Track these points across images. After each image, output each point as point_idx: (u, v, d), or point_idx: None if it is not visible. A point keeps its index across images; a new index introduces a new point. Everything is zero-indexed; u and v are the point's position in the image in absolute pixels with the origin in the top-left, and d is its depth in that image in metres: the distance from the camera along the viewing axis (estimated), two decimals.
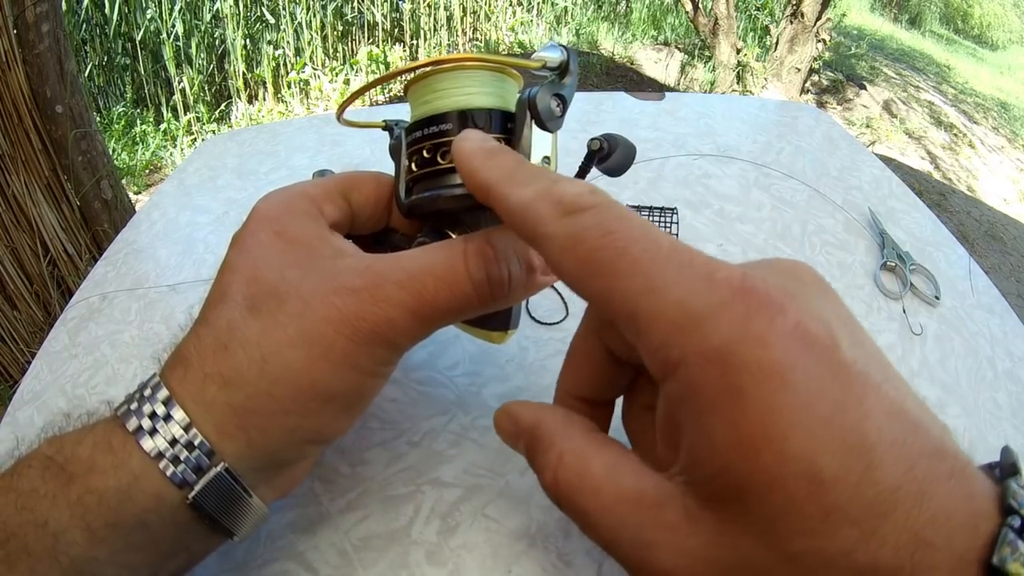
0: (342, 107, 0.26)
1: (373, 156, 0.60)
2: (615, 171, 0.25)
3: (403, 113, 0.26)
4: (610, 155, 0.25)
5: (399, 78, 0.23)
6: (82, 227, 1.33)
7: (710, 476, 0.14)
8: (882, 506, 0.12)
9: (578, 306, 0.23)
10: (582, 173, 0.26)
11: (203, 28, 2.48)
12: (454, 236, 0.24)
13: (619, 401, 0.23)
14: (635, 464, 0.16)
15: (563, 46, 0.22)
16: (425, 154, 0.23)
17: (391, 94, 2.56)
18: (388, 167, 0.26)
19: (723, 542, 0.14)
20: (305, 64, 2.67)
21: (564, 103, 0.23)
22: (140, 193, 2.05)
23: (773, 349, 0.13)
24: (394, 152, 0.26)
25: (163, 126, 2.36)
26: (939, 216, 0.55)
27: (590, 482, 0.16)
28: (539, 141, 0.23)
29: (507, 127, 0.23)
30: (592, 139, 0.24)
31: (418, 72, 0.23)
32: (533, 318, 0.39)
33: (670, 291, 0.14)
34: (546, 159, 0.23)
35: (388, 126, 0.27)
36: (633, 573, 0.15)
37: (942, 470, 0.12)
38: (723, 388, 0.13)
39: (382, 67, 2.75)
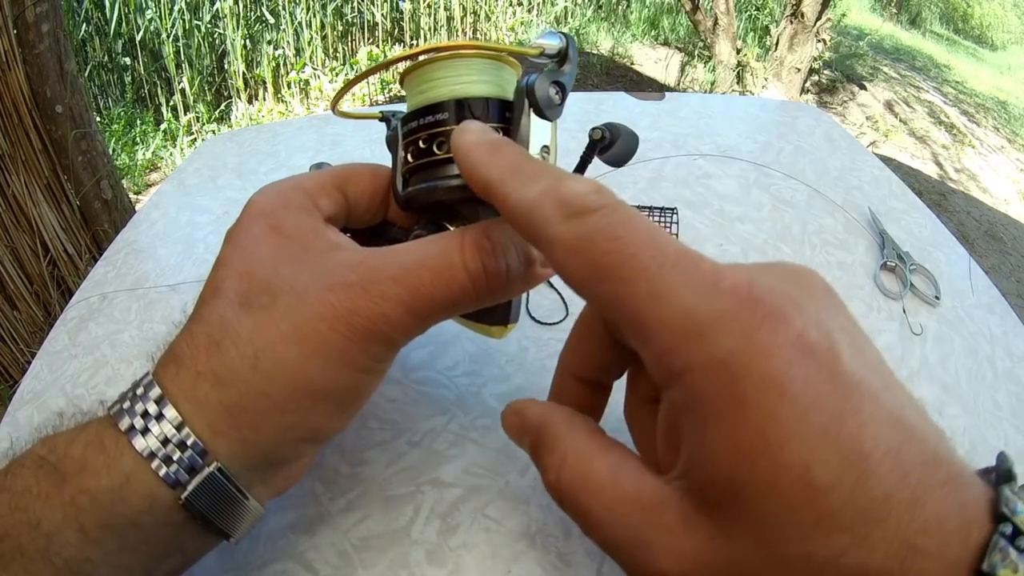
0: (337, 97, 0.25)
1: (373, 156, 0.60)
2: (617, 161, 0.24)
3: (403, 110, 0.26)
4: (612, 145, 0.24)
5: (395, 68, 0.23)
6: (82, 227, 1.33)
7: (707, 481, 0.14)
8: (874, 513, 0.12)
9: (578, 306, 0.23)
10: (584, 163, 0.25)
11: (203, 28, 2.48)
12: (452, 228, 0.23)
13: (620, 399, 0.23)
14: (636, 467, 0.17)
15: (562, 33, 0.22)
16: (421, 145, 0.23)
17: (391, 94, 2.56)
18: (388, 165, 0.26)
19: (717, 546, 0.14)
20: (305, 64, 2.67)
21: (563, 91, 0.22)
22: (140, 193, 2.05)
23: (775, 360, 0.13)
24: (391, 143, 0.25)
25: (163, 126, 2.36)
26: (939, 216, 0.55)
27: (592, 483, 0.17)
28: (538, 130, 0.22)
29: (505, 116, 0.23)
30: (594, 128, 0.24)
31: (414, 61, 0.22)
32: (533, 318, 0.39)
33: (676, 298, 0.14)
34: (545, 148, 0.23)
35: (385, 117, 0.27)
36: (630, 573, 0.16)
37: (936, 478, 0.13)
38: (725, 397, 0.13)
39: None
